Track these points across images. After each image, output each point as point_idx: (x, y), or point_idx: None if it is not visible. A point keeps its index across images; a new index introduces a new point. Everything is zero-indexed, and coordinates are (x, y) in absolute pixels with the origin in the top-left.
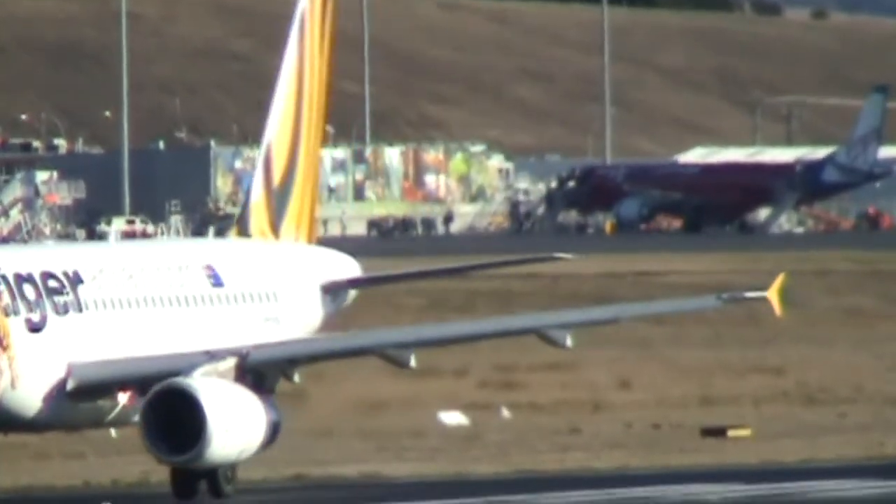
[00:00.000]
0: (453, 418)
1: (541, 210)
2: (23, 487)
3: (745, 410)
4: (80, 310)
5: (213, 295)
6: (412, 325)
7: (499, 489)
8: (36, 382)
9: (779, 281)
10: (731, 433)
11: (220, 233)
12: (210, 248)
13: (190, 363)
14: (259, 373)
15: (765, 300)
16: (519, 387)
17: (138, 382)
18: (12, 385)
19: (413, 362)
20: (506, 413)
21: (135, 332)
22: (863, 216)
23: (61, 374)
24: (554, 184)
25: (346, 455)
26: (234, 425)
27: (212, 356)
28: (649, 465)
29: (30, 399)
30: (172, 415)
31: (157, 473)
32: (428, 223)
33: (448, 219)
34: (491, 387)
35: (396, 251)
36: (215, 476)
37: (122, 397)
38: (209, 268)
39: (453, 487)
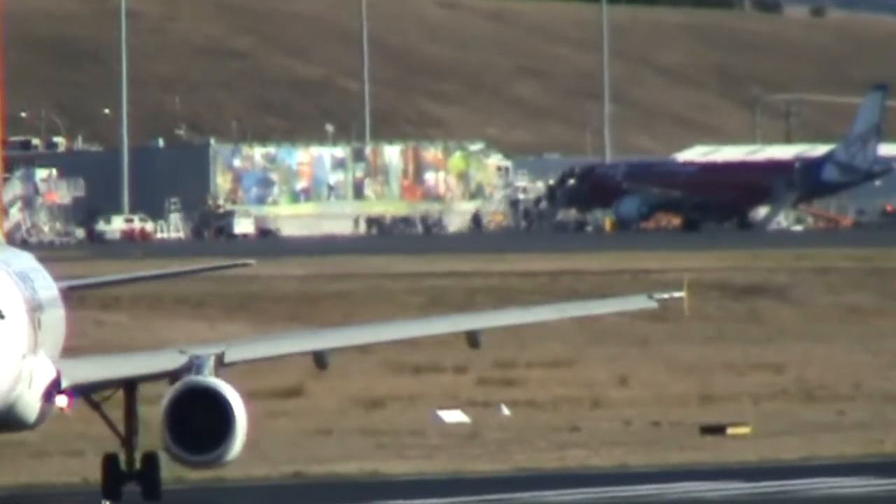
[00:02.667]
0: (453, 416)
1: (541, 207)
2: (22, 485)
3: (744, 408)
4: None
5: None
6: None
7: (498, 487)
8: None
9: (686, 282)
10: (730, 431)
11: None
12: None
13: (196, 363)
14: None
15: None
16: (518, 384)
17: (130, 383)
18: (29, 385)
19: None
20: (505, 410)
21: None
22: (882, 212)
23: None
24: (552, 182)
25: (345, 452)
26: (246, 425)
27: (196, 355)
28: (649, 463)
29: (36, 399)
30: (193, 414)
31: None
32: (426, 222)
33: (435, 224)
34: (490, 384)
35: (394, 249)
36: (158, 477)
37: (62, 399)
38: None
39: (453, 485)
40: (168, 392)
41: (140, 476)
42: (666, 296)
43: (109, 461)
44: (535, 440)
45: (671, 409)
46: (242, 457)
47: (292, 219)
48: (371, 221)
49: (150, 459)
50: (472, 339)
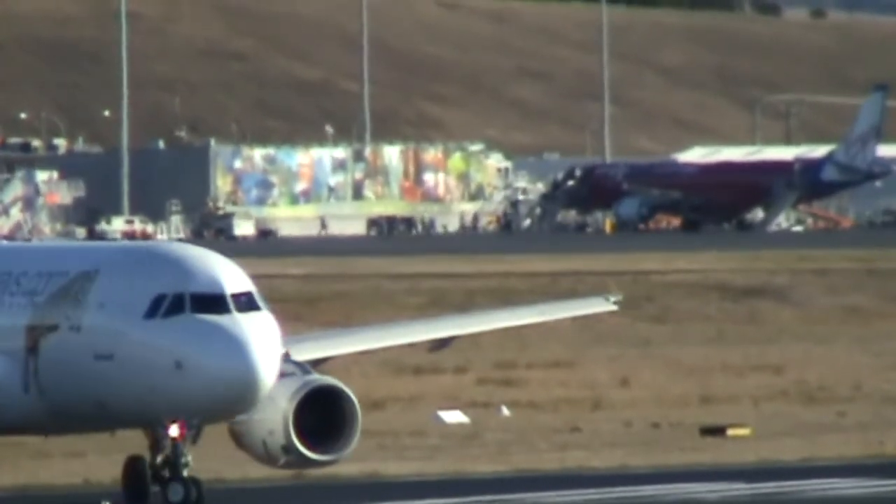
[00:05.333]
0: (453, 417)
1: (537, 211)
2: (22, 486)
3: (744, 409)
4: None
5: None
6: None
7: (499, 488)
8: None
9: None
10: (730, 432)
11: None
12: None
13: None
14: None
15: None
16: (519, 385)
17: None
18: None
19: None
20: (506, 411)
21: None
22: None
23: None
24: (550, 181)
25: None
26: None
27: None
28: (649, 464)
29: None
30: (318, 414)
31: None
32: (426, 222)
33: (429, 225)
34: (491, 385)
35: (395, 250)
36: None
37: None
38: None
39: (453, 486)
40: (291, 393)
41: (166, 479)
42: (613, 298)
43: (135, 464)
44: (535, 441)
45: (671, 411)
46: (241, 457)
47: (295, 220)
48: (376, 222)
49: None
50: (437, 341)
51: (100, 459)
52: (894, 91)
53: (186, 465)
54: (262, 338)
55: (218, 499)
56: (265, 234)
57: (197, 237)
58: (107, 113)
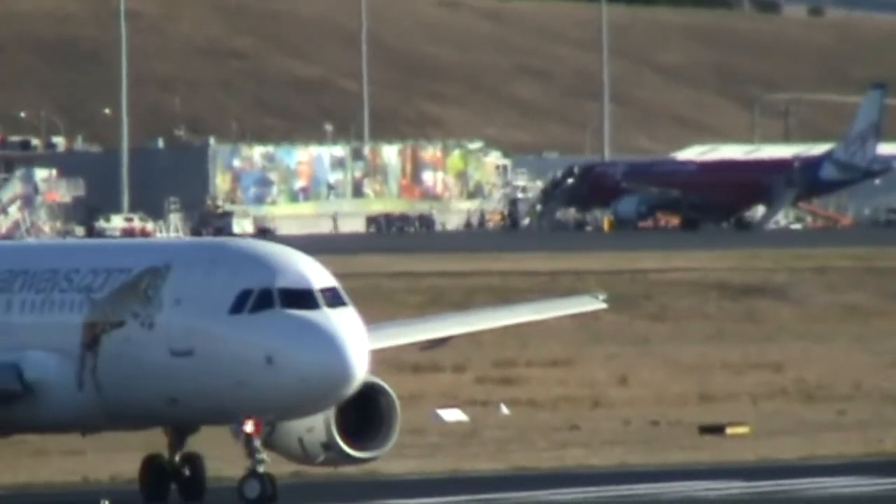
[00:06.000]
0: (452, 415)
1: (538, 208)
2: (22, 484)
3: (743, 407)
4: None
5: None
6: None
7: (497, 486)
8: None
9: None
10: (729, 430)
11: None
12: None
13: None
14: None
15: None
16: (518, 383)
17: None
18: None
19: None
20: (505, 410)
21: None
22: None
23: None
24: (549, 179)
25: None
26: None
27: None
28: (648, 463)
29: None
30: (358, 411)
31: None
32: (425, 220)
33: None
34: (490, 383)
35: (393, 248)
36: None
37: None
38: None
39: (452, 484)
40: None
41: (185, 477)
42: (601, 296)
43: (152, 462)
44: (534, 439)
45: (670, 409)
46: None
47: (294, 218)
48: (375, 219)
49: (195, 460)
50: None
51: (98, 458)
52: (893, 89)
53: (262, 461)
54: (352, 332)
55: (219, 498)
56: (263, 232)
57: (196, 235)
58: (106, 111)
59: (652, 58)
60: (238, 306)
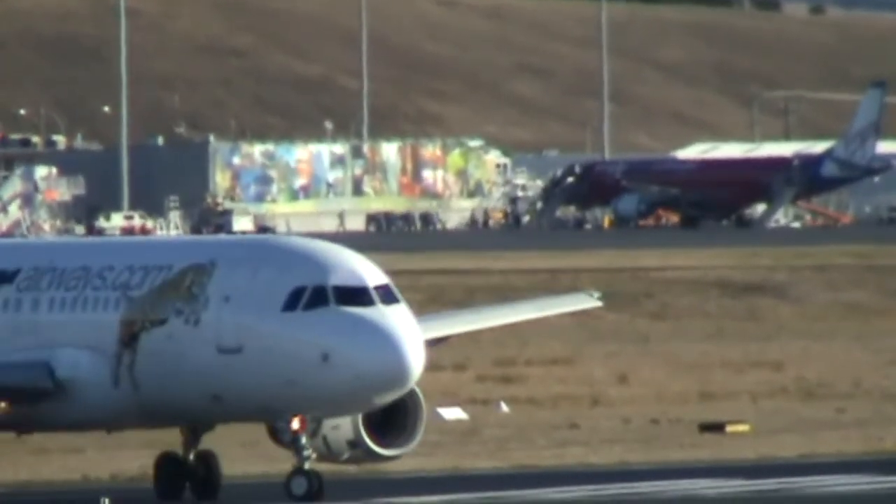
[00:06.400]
0: (452, 413)
1: (538, 205)
2: (23, 482)
3: (743, 406)
4: None
5: None
6: None
7: (497, 484)
8: None
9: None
10: (729, 428)
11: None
12: None
13: None
14: None
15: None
16: (518, 382)
17: None
18: None
19: None
20: (505, 408)
21: None
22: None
23: None
24: (550, 178)
25: None
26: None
27: None
28: (648, 461)
29: None
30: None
31: None
32: (425, 218)
33: (428, 220)
34: (490, 382)
35: (393, 246)
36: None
37: None
38: None
39: (452, 482)
40: None
41: (200, 475)
42: (596, 294)
43: (166, 460)
44: (534, 438)
45: (670, 407)
46: (240, 456)
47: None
48: (375, 217)
49: (210, 458)
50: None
51: (99, 456)
52: (893, 87)
53: (308, 457)
54: (408, 330)
55: (219, 497)
56: (263, 230)
57: (196, 233)
58: (106, 109)
59: (652, 56)
60: (291, 304)
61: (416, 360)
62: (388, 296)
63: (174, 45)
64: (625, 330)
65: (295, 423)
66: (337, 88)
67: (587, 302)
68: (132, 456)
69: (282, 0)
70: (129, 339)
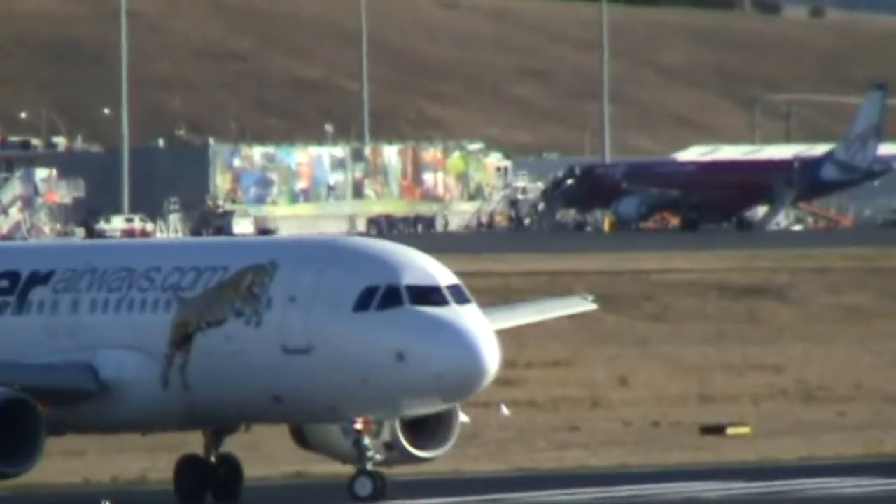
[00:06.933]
0: None
1: (540, 207)
2: (23, 485)
3: (744, 408)
4: None
5: None
6: None
7: (498, 486)
8: None
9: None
10: (730, 431)
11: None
12: None
13: None
14: None
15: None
16: (518, 384)
17: None
18: None
19: None
20: (505, 410)
21: None
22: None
23: None
24: (551, 182)
25: None
26: None
27: None
28: (648, 463)
29: None
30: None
31: (157, 472)
32: (426, 221)
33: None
34: (490, 384)
35: None
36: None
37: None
38: None
39: (452, 485)
40: None
41: (222, 477)
42: (589, 298)
43: (188, 462)
44: (534, 440)
45: (671, 410)
46: (244, 456)
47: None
48: (375, 220)
49: (232, 461)
50: None
51: (100, 459)
52: (893, 90)
53: (371, 459)
54: (483, 329)
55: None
56: (264, 233)
57: (196, 235)
58: (107, 111)
59: (652, 58)
60: (363, 303)
61: (492, 360)
62: (460, 295)
63: (174, 47)
64: (625, 332)
65: (359, 424)
66: (337, 91)
67: (581, 305)
68: (132, 459)
69: (282, 2)
70: (182, 340)
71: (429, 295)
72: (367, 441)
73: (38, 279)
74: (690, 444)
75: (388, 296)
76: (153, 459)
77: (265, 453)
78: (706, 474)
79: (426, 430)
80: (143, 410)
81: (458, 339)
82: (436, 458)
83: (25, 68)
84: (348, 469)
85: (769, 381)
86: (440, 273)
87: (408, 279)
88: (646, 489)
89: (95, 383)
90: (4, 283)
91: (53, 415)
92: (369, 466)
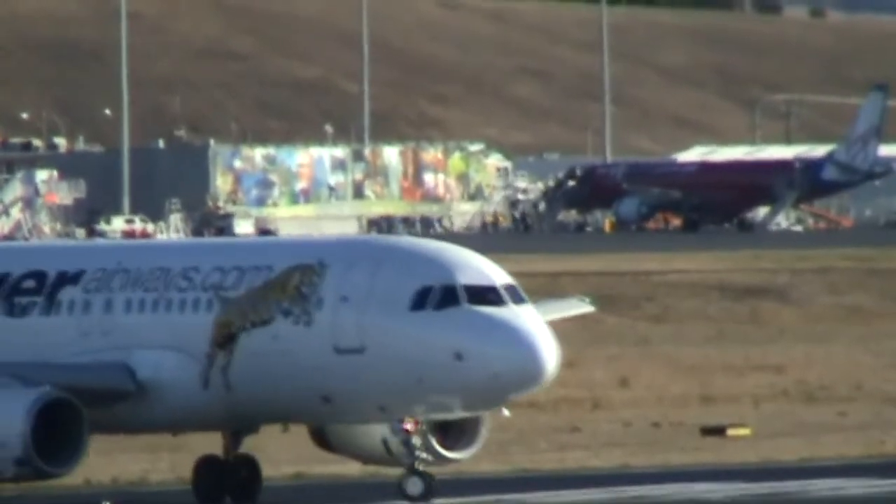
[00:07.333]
0: None
1: (541, 208)
2: (23, 485)
3: (744, 409)
4: None
5: None
6: None
7: (499, 487)
8: None
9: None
10: (730, 432)
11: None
12: None
13: None
14: None
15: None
16: None
17: None
18: None
19: None
20: (506, 411)
21: None
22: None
23: None
24: (552, 183)
25: None
26: None
27: None
28: (649, 464)
29: None
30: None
31: (157, 473)
32: (426, 221)
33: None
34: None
35: None
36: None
37: None
38: None
39: (453, 486)
40: None
41: (242, 478)
42: (586, 300)
43: (207, 463)
44: (535, 441)
45: (671, 410)
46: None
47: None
48: (375, 222)
49: (251, 462)
50: None
51: (100, 459)
52: (894, 90)
53: (419, 458)
54: (541, 329)
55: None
56: (264, 233)
57: (197, 236)
58: (107, 112)
59: (653, 59)
60: (419, 303)
61: (551, 359)
62: (515, 295)
63: (175, 48)
64: (626, 333)
65: (408, 424)
66: (337, 91)
67: (579, 307)
68: (133, 459)
69: (282, 3)
70: (225, 340)
71: (485, 294)
72: (415, 440)
73: (67, 279)
74: (691, 445)
75: (444, 295)
76: (154, 460)
77: (264, 454)
78: (707, 475)
79: (455, 430)
80: (181, 410)
81: (518, 339)
82: (465, 459)
83: (26, 69)
84: (348, 469)
85: (770, 382)
86: (495, 273)
87: (464, 279)
88: (646, 490)
89: (133, 383)
90: (30, 284)
91: (91, 415)
92: (419, 466)
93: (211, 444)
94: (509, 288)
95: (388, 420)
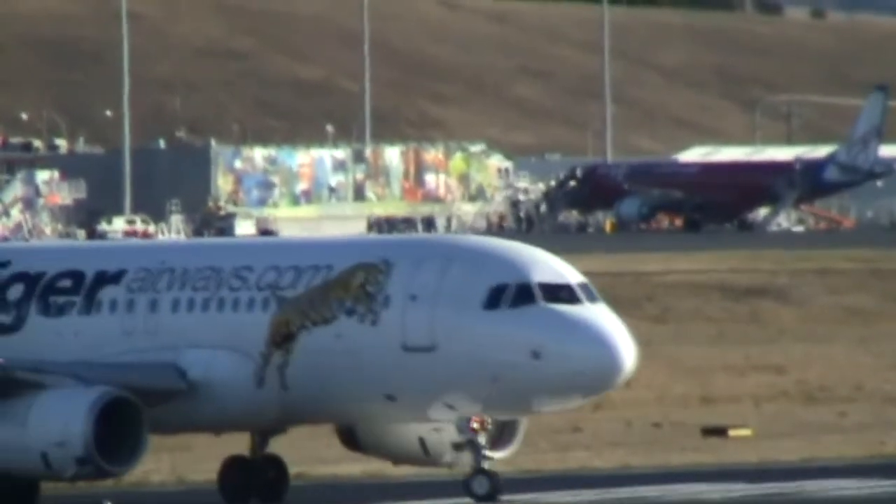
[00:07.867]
0: None
1: (542, 209)
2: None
3: (745, 409)
4: None
5: None
6: None
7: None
8: None
9: None
10: (731, 432)
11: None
12: None
13: None
14: None
15: None
16: None
17: None
18: None
19: None
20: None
21: None
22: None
23: None
24: (553, 183)
25: (348, 454)
26: None
27: None
28: (650, 465)
29: None
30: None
31: (159, 473)
32: (428, 222)
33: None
34: None
35: None
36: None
37: None
38: None
39: (455, 486)
40: None
41: (269, 478)
42: None
43: (234, 464)
44: (536, 441)
45: (672, 411)
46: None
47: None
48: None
49: (279, 462)
50: None
51: None
52: (895, 91)
53: (486, 457)
54: (618, 327)
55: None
56: (265, 234)
57: (198, 237)
58: (108, 113)
59: (654, 59)
60: (493, 301)
61: (629, 358)
62: (590, 294)
63: (175, 48)
64: None
65: (475, 423)
66: (338, 91)
67: None
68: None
69: (283, 3)
70: (282, 339)
71: (561, 293)
72: (482, 440)
73: (107, 279)
74: (692, 446)
75: (520, 293)
76: (155, 460)
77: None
78: (708, 475)
79: (494, 429)
80: (233, 410)
81: (596, 337)
82: (502, 459)
83: (26, 69)
84: (348, 470)
85: (771, 382)
86: (568, 271)
87: (538, 277)
88: (647, 490)
89: (184, 382)
90: (66, 283)
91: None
92: (486, 465)
93: (211, 444)
94: (583, 286)
95: (453, 418)
